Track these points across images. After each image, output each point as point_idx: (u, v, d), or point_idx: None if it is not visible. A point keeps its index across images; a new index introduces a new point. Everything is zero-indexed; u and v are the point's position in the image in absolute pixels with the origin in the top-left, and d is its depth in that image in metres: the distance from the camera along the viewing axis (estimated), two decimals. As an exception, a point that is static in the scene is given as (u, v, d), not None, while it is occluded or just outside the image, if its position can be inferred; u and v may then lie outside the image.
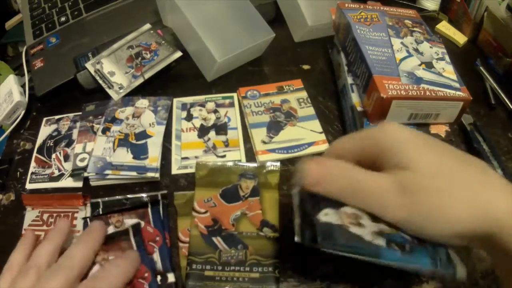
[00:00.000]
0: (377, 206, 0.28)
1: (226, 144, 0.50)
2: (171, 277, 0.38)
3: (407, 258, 0.28)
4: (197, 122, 0.52)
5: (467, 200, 0.27)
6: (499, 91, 0.56)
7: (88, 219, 0.42)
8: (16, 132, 0.54)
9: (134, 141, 0.49)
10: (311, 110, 0.53)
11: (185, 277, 0.38)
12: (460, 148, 0.51)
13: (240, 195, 0.43)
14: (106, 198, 0.44)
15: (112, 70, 0.55)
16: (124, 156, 0.47)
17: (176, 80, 0.58)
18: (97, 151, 0.48)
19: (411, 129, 0.30)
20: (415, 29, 0.51)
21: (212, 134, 0.51)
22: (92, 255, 0.36)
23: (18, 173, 0.49)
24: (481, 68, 0.59)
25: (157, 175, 0.46)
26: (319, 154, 0.49)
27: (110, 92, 0.54)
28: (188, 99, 0.55)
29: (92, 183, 0.47)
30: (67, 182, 0.47)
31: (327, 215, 0.29)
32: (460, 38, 0.64)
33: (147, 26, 0.58)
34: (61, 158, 0.49)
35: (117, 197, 0.44)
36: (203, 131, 0.51)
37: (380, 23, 0.51)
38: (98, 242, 0.37)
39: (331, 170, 0.30)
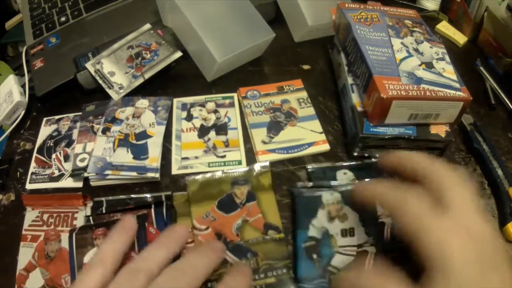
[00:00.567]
0: None
1: (226, 144, 0.50)
2: None
3: None
4: (197, 122, 0.52)
5: None
6: (499, 91, 0.56)
7: (91, 218, 0.42)
8: (16, 132, 0.54)
9: (134, 141, 0.49)
10: (311, 110, 0.53)
11: None
12: (460, 148, 0.51)
13: (236, 203, 0.43)
14: (110, 197, 0.44)
15: (112, 70, 0.55)
16: (124, 156, 0.47)
17: (176, 80, 0.58)
18: (97, 151, 0.48)
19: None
20: (415, 29, 0.51)
21: (212, 134, 0.51)
22: (169, 260, 0.31)
23: (18, 173, 0.49)
24: (481, 68, 0.59)
25: (157, 175, 0.46)
26: (319, 154, 0.49)
27: (110, 92, 0.54)
28: (188, 99, 0.55)
29: (92, 183, 0.46)
30: (67, 182, 0.47)
31: None
32: (460, 38, 0.64)
33: (147, 26, 0.58)
34: (61, 158, 0.49)
35: (121, 196, 0.44)
36: (203, 131, 0.51)
37: (380, 23, 0.51)
38: (178, 244, 0.33)
39: None
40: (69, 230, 0.41)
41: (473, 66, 0.60)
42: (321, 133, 0.50)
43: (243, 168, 0.46)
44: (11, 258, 0.41)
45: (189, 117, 0.53)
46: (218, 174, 0.45)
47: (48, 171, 0.48)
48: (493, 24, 0.59)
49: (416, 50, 0.48)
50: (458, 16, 0.66)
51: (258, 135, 0.50)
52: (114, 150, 0.48)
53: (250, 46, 0.54)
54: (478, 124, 0.51)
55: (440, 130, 0.46)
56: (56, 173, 0.48)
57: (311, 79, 0.58)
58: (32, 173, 0.49)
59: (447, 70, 0.46)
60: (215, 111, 0.53)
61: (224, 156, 0.48)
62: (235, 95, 0.55)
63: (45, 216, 0.44)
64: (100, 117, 0.52)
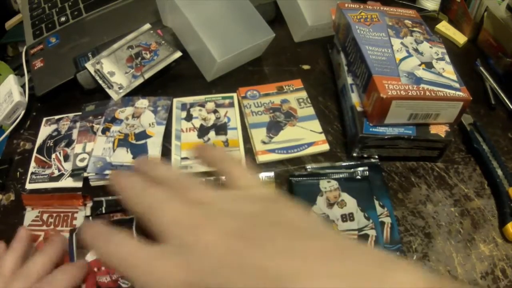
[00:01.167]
0: None
1: (226, 144, 0.50)
2: None
3: None
4: (197, 122, 0.52)
5: None
6: (499, 91, 0.56)
7: (90, 218, 0.42)
8: (16, 132, 0.54)
9: (134, 141, 0.49)
10: (311, 110, 0.53)
11: None
12: (460, 148, 0.51)
13: None
14: (110, 197, 0.44)
15: (112, 70, 0.55)
16: (124, 156, 0.47)
17: (176, 80, 0.58)
18: (97, 151, 0.48)
19: None
20: (415, 29, 0.51)
21: (212, 134, 0.51)
22: (51, 265, 0.37)
23: (18, 173, 0.49)
24: (481, 68, 0.59)
25: (157, 175, 0.46)
26: (319, 154, 0.49)
27: (110, 92, 0.54)
28: (188, 99, 0.55)
29: (92, 183, 0.47)
30: (67, 182, 0.47)
31: None
32: (460, 38, 0.64)
33: (147, 26, 0.58)
34: (61, 158, 0.49)
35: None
36: (203, 131, 0.51)
37: (380, 23, 0.51)
38: (58, 254, 0.38)
39: None
40: (69, 230, 0.41)
41: (473, 66, 0.60)
42: (320, 133, 0.50)
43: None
44: (10, 258, 0.41)
45: (189, 117, 0.53)
46: (223, 179, 0.45)
47: (48, 171, 0.48)
48: (493, 24, 0.59)
49: (416, 50, 0.48)
50: (458, 16, 0.66)
51: (258, 135, 0.50)
52: (114, 150, 0.48)
53: (250, 46, 0.54)
54: (478, 124, 0.51)
55: (440, 130, 0.45)
56: (56, 173, 0.48)
57: (311, 79, 0.58)
58: (32, 173, 0.49)
59: (447, 70, 0.46)
60: (215, 111, 0.53)
61: (223, 156, 0.48)
62: (234, 95, 0.55)
63: (45, 216, 0.44)
64: (100, 117, 0.52)
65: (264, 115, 0.52)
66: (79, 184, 0.47)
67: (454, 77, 0.46)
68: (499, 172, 0.46)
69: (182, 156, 0.49)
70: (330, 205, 0.42)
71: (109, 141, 0.49)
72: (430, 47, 0.49)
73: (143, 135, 0.50)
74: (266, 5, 0.63)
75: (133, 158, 0.47)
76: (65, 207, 0.44)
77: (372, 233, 0.41)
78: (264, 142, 0.49)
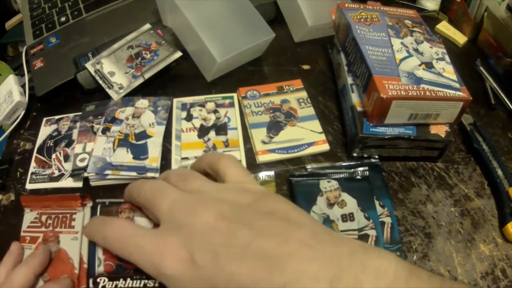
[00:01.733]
0: None
1: (226, 144, 0.50)
2: None
3: None
4: (197, 122, 0.52)
5: None
6: (499, 91, 0.56)
7: (99, 206, 0.42)
8: (16, 132, 0.54)
9: (134, 141, 0.49)
10: (311, 110, 0.53)
11: None
12: (460, 148, 0.51)
13: None
14: (113, 200, 0.44)
15: (112, 70, 0.55)
16: (124, 156, 0.47)
17: (176, 80, 0.58)
18: (97, 151, 0.48)
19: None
20: (415, 29, 0.51)
21: (212, 134, 0.51)
22: (33, 277, 0.37)
23: (18, 173, 0.49)
24: (481, 68, 0.59)
25: (157, 175, 0.46)
26: (319, 154, 0.49)
27: (110, 92, 0.54)
28: (188, 99, 0.55)
29: (92, 183, 0.47)
30: (67, 182, 0.47)
31: None
32: (460, 38, 0.64)
33: (147, 26, 0.58)
34: (61, 158, 0.49)
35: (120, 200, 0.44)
36: (203, 131, 0.51)
37: (380, 23, 0.51)
38: (41, 265, 0.38)
39: None
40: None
41: (473, 66, 0.60)
42: (320, 133, 0.50)
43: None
44: (11, 258, 0.41)
45: (189, 117, 0.53)
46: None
47: (48, 171, 0.48)
48: (493, 24, 0.59)
49: (416, 50, 0.48)
50: (458, 16, 0.66)
51: (258, 135, 0.50)
52: (114, 150, 0.48)
53: (250, 46, 0.54)
54: (478, 124, 0.51)
55: (440, 130, 0.46)
56: (56, 173, 0.48)
57: (311, 79, 0.58)
58: (32, 173, 0.49)
59: (447, 70, 0.46)
60: (215, 111, 0.53)
61: (224, 156, 0.48)
62: (235, 95, 0.55)
63: (44, 218, 0.43)
64: (100, 117, 0.52)
65: (264, 115, 0.52)
66: (79, 184, 0.47)
67: (454, 77, 0.46)
68: (499, 172, 0.46)
69: (183, 156, 0.49)
70: (330, 205, 0.42)
71: (109, 141, 0.49)
72: (430, 47, 0.49)
73: (143, 135, 0.50)
74: (266, 5, 0.63)
75: (133, 158, 0.47)
76: (64, 208, 0.44)
77: (372, 233, 0.41)
78: (264, 142, 0.49)
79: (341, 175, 0.45)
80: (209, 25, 0.54)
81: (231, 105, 0.54)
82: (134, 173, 0.46)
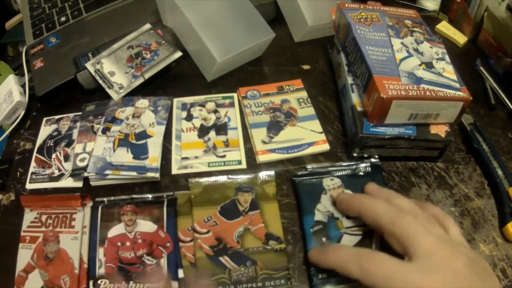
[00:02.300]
0: None
1: (226, 144, 0.50)
2: (175, 285, 0.38)
3: None
4: (197, 122, 0.52)
5: None
6: (499, 91, 0.56)
7: (100, 206, 0.43)
8: (16, 132, 0.54)
9: (134, 141, 0.49)
10: (311, 110, 0.53)
11: None
12: (460, 148, 0.51)
13: (239, 210, 0.43)
14: (112, 198, 0.44)
15: (112, 70, 0.55)
16: (124, 156, 0.47)
17: (176, 80, 0.58)
18: (97, 151, 0.48)
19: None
20: (415, 29, 0.51)
21: (212, 134, 0.51)
22: None
23: (18, 173, 0.49)
24: (481, 68, 0.59)
25: (157, 175, 0.46)
26: (319, 154, 0.49)
27: (110, 92, 0.54)
28: (188, 99, 0.55)
29: (92, 183, 0.47)
30: (67, 182, 0.47)
31: None
32: (460, 38, 0.64)
33: (147, 26, 0.58)
34: (61, 158, 0.49)
35: (122, 196, 0.44)
36: (203, 131, 0.51)
37: (380, 23, 0.51)
38: None
39: None
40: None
41: (473, 66, 0.60)
42: (321, 133, 0.50)
43: (248, 175, 0.46)
44: (11, 259, 0.41)
45: (189, 117, 0.53)
46: (223, 179, 0.45)
47: (48, 171, 0.48)
48: (493, 24, 0.59)
49: (416, 50, 0.48)
50: (458, 16, 0.66)
51: (258, 135, 0.50)
52: (114, 150, 0.48)
53: (250, 46, 0.54)
54: (478, 124, 0.51)
55: (440, 130, 0.46)
56: (56, 173, 0.48)
57: (311, 79, 0.58)
58: (32, 173, 0.49)
59: (447, 70, 0.46)
60: (215, 111, 0.53)
61: (224, 156, 0.48)
62: (235, 95, 0.55)
63: (44, 217, 0.43)
64: (100, 117, 0.52)
65: (264, 115, 0.52)
66: (80, 184, 0.47)
67: (454, 77, 0.46)
68: (499, 172, 0.46)
69: (183, 156, 0.49)
70: (335, 202, 0.42)
71: (109, 141, 0.49)
72: (430, 47, 0.49)
73: (144, 135, 0.50)
74: (266, 5, 0.63)
75: (133, 158, 0.47)
76: (64, 208, 0.44)
77: None
78: (264, 142, 0.49)
79: (343, 172, 0.45)
80: (209, 25, 0.54)
81: (231, 105, 0.54)
82: (134, 173, 0.46)
